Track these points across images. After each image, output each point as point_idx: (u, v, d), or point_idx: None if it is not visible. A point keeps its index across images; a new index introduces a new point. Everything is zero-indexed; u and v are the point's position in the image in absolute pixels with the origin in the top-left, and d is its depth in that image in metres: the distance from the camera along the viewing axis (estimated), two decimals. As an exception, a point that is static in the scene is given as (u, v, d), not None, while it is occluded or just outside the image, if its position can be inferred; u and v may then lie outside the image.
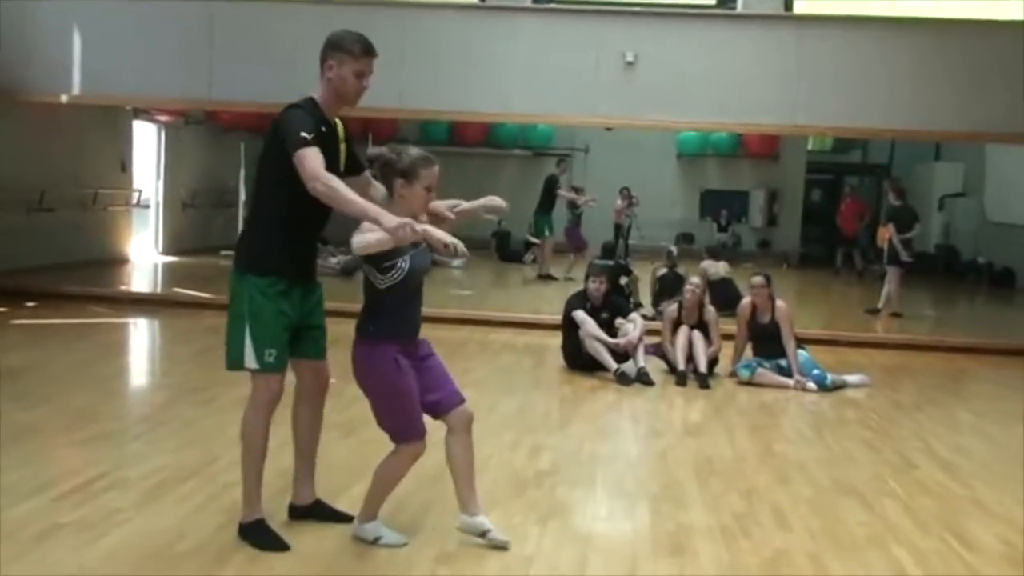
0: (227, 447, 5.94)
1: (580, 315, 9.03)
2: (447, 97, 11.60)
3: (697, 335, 9.00)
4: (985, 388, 9.85)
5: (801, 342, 9.18)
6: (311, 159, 4.12)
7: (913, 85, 11.30)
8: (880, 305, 13.79)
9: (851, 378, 9.06)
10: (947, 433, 7.45)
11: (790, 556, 4.64)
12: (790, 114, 11.55)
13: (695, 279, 9.43)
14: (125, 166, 16.85)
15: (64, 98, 12.04)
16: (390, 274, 4.21)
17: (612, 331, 9.06)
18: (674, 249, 13.44)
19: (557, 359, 9.34)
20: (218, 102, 12.76)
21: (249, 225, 4.56)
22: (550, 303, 12.15)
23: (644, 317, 9.90)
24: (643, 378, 8.72)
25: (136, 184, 17.20)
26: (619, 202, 18.02)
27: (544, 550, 4.57)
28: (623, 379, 8.64)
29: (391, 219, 3.96)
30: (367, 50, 4.39)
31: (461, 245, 4.05)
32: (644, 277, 13.34)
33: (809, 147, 24.29)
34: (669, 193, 23.38)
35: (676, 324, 9.15)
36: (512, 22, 11.78)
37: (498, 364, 9.41)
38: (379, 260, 4.19)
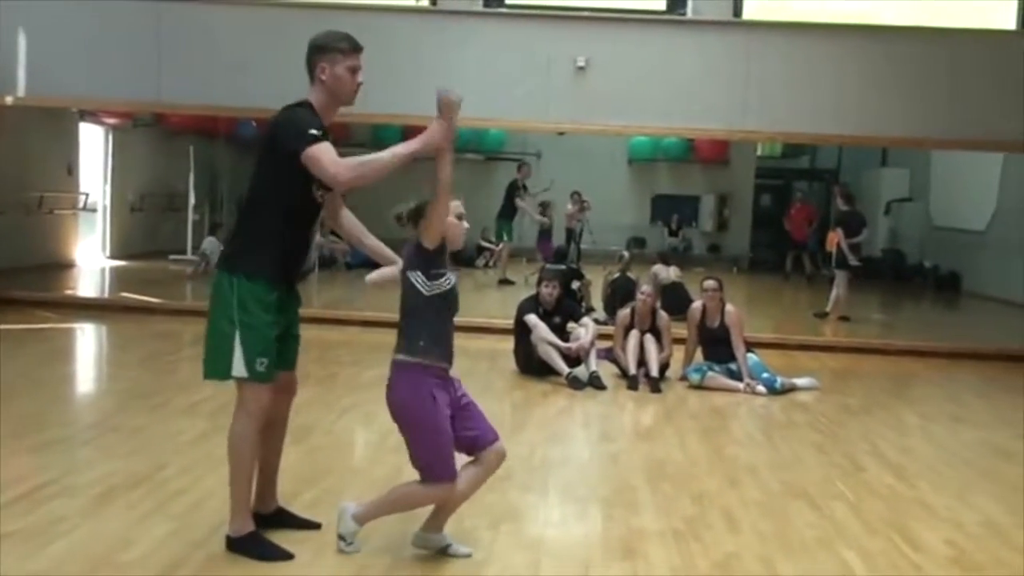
0: (176, 454, 5.90)
1: (532, 319, 9.04)
2: (399, 101, 11.53)
3: (649, 339, 9.04)
4: (931, 391, 9.99)
5: (751, 346, 9.25)
6: (327, 153, 4.06)
7: (861, 91, 11.43)
8: (828, 309, 13.95)
9: (800, 381, 9.15)
10: (894, 436, 7.54)
11: (740, 559, 4.68)
12: (740, 119, 11.64)
13: (646, 287, 9.47)
14: (71, 169, 16.64)
15: (9, 100, 11.83)
16: (437, 282, 4.23)
17: (564, 335, 9.08)
18: (626, 254, 13.48)
19: (509, 363, 9.34)
20: (167, 104, 12.62)
21: (242, 229, 4.38)
22: (502, 307, 12.16)
23: (596, 321, 9.94)
24: (595, 382, 8.75)
25: (83, 187, 16.99)
26: (570, 207, 18.00)
27: (496, 555, 4.57)
28: (575, 383, 8.66)
29: (430, 135, 4.08)
30: (355, 45, 4.36)
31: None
32: (596, 281, 13.39)
33: (758, 152, 24.50)
34: (620, 198, 23.48)
35: (628, 329, 9.18)
36: (464, 26, 11.77)
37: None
38: (428, 266, 4.21)
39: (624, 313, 9.38)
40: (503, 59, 11.63)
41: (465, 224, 4.39)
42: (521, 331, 9.13)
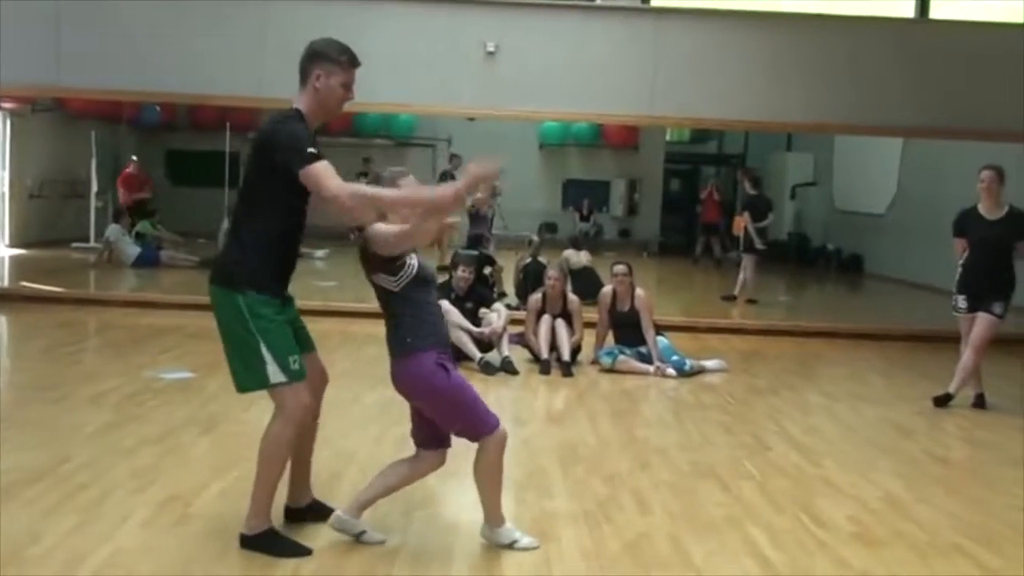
0: (80, 446, 5.77)
1: (444, 305, 9.00)
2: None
3: (560, 324, 9.10)
4: (836, 371, 10.21)
5: (661, 329, 9.36)
6: (326, 175, 3.99)
7: (766, 77, 11.62)
8: (736, 292, 14.17)
9: (709, 363, 9.29)
10: (800, 415, 7.71)
11: (651, 539, 4.74)
12: (648, 104, 11.73)
13: (552, 271, 9.51)
14: (-33, 156, 16.16)
15: (-101, 84, 11.42)
16: (402, 272, 4.19)
17: (476, 321, 9.09)
18: (536, 238, 13.52)
19: (421, 350, 9.30)
20: (66, 89, 12.29)
21: (237, 242, 4.27)
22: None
23: (507, 307, 9.97)
24: (507, 367, 8.78)
25: (-21, 175, 16.51)
26: (481, 192, 18.04)
27: (410, 541, 4.56)
28: (487, 369, 8.68)
29: (448, 188, 4.12)
30: (354, 61, 4.34)
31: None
32: (507, 267, 13.41)
33: (668, 138, 24.78)
34: (532, 183, 23.51)
35: (539, 313, 9.22)
36: (373, 11, 11.64)
37: (361, 356, 9.32)
38: (388, 262, 4.16)
39: (535, 298, 9.42)
40: (412, 44, 11.55)
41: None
42: (433, 317, 9.10)
